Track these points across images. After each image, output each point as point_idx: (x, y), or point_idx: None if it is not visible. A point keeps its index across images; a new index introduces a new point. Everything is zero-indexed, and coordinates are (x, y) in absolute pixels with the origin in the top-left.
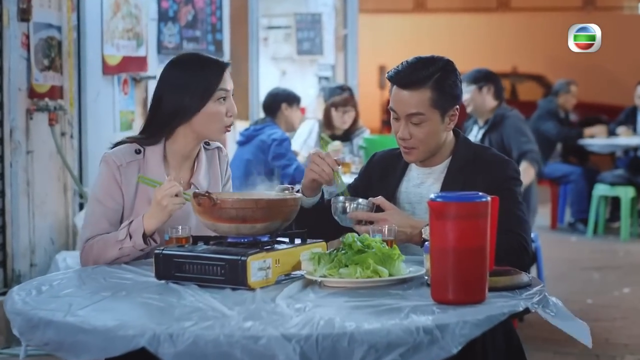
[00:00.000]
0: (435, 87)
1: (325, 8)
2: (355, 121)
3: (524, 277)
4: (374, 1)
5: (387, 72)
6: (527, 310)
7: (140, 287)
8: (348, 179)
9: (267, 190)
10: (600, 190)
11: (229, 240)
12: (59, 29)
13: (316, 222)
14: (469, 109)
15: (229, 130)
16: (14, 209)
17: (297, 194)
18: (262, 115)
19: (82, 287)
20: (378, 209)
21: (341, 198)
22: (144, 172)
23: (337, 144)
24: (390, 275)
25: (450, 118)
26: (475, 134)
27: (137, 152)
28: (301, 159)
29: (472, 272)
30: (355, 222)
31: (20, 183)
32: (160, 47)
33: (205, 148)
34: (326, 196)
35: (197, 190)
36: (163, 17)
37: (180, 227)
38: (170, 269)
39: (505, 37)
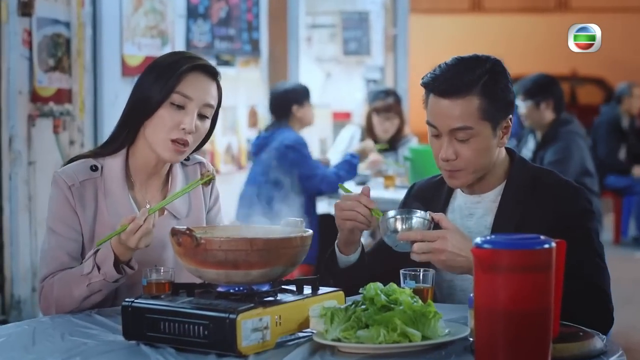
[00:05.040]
0: (484, 93)
1: (374, 6)
2: (400, 129)
3: (597, 342)
4: (428, 1)
5: (422, 78)
6: None
7: (102, 349)
8: (392, 194)
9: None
10: None
11: (219, 289)
12: (67, 25)
13: (356, 283)
14: (525, 124)
15: (179, 148)
16: (14, 227)
17: (308, 230)
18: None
19: (30, 348)
20: (436, 227)
21: (392, 212)
22: (104, 193)
23: (376, 153)
24: (423, 338)
25: (503, 131)
26: (531, 148)
27: (93, 169)
28: None
29: (530, 342)
30: (410, 243)
31: (20, 198)
32: (189, 47)
33: (183, 164)
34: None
35: (176, 227)
36: (192, 13)
37: (162, 269)
38: (142, 327)
39: (565, 39)
